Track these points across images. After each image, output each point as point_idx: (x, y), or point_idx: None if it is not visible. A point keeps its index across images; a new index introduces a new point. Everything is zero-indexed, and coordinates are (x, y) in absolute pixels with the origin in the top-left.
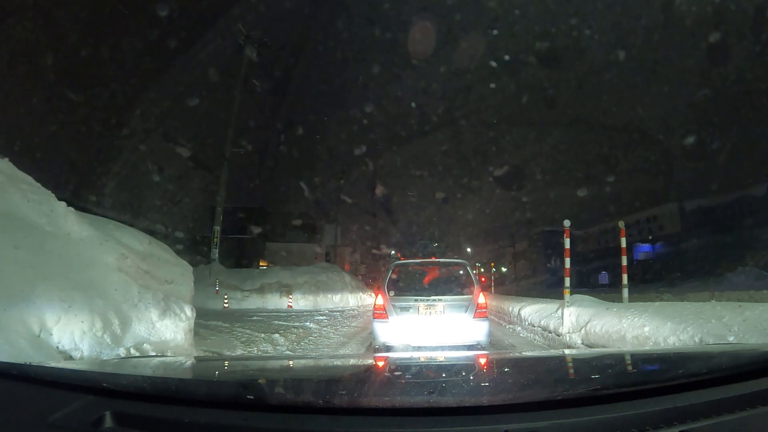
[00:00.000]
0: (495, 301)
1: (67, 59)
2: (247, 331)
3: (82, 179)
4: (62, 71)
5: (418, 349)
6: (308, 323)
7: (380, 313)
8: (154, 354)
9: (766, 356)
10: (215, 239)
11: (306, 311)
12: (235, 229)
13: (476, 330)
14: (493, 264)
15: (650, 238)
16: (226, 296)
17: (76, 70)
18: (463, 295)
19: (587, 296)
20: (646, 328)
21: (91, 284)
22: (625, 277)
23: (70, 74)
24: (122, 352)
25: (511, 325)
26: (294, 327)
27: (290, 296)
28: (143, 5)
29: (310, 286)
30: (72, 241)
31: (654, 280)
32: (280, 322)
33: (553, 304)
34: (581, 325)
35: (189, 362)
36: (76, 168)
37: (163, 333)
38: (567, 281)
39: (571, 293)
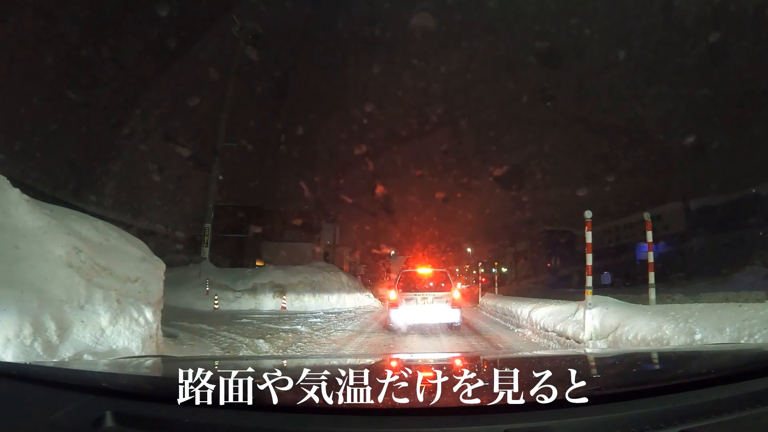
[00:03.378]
0: (501, 303)
1: (68, 59)
2: (231, 336)
3: (82, 179)
4: (62, 71)
5: (422, 341)
6: (300, 326)
7: (394, 303)
8: (154, 354)
9: (766, 356)
10: (206, 237)
11: (300, 313)
12: (231, 228)
13: (452, 314)
14: (497, 263)
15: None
16: (216, 297)
17: (76, 70)
18: (444, 292)
19: (609, 297)
20: (698, 336)
21: (29, 281)
22: (651, 275)
23: (71, 74)
24: None
25: (520, 329)
26: (283, 331)
27: (284, 297)
28: (142, 5)
29: (304, 286)
30: (19, 232)
31: (658, 280)
32: (270, 325)
33: (569, 305)
34: (608, 330)
35: (189, 362)
36: (76, 168)
37: (114, 340)
38: (589, 280)
39: (577, 293)
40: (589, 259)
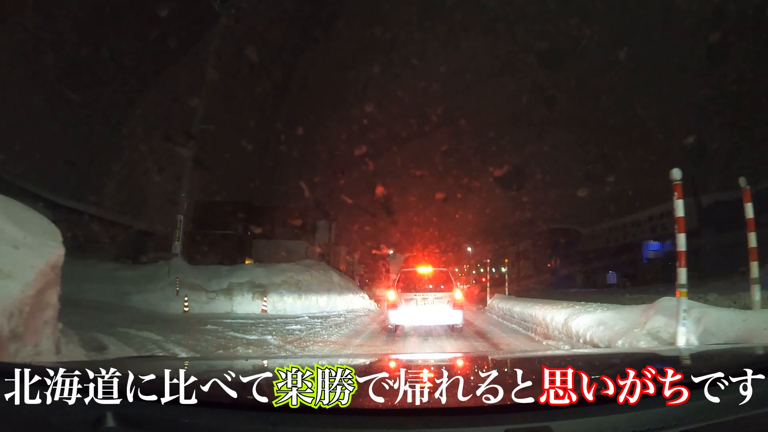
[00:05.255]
0: (518, 306)
1: (68, 59)
2: (176, 349)
3: (82, 179)
4: (62, 71)
5: (423, 340)
6: (271, 337)
7: (392, 304)
8: (154, 354)
9: (766, 356)
10: (178, 230)
11: (281, 317)
12: (220, 225)
13: (454, 316)
14: (507, 260)
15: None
16: (186, 298)
17: (76, 70)
18: (445, 292)
19: (696, 302)
20: None
21: None
22: (754, 265)
23: (70, 74)
24: None
25: (550, 341)
26: (246, 342)
27: (264, 298)
28: (142, 5)
29: (289, 286)
30: None
31: (665, 280)
32: (236, 334)
33: (629, 311)
34: None
35: (190, 362)
36: (76, 168)
37: None
38: (682, 274)
39: (581, 294)
40: (682, 243)
